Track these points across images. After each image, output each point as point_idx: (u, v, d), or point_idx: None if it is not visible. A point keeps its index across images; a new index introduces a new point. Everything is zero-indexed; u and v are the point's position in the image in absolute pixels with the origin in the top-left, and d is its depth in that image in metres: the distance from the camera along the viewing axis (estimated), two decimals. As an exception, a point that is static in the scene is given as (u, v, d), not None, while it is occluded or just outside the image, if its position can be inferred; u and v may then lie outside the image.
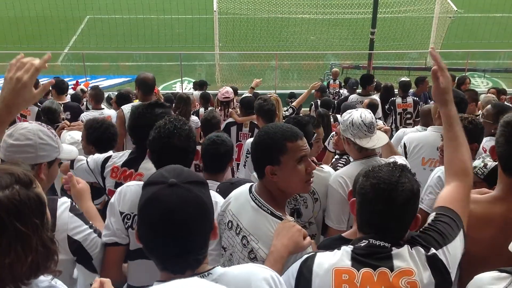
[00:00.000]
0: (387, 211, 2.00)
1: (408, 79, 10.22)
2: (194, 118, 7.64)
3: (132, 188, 2.80)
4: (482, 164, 3.15)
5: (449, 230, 2.07)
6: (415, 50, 19.19)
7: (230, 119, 7.08)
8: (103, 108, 7.49)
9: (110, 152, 3.76)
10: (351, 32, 20.35)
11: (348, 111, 3.70)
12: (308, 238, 2.34)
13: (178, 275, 1.73)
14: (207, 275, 1.78)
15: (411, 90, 10.09)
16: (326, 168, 3.67)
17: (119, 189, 2.86)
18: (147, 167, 3.32)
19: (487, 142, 4.25)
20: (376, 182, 2.02)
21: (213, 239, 1.83)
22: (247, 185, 2.57)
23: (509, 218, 2.38)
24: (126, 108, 5.45)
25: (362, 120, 3.51)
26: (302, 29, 20.95)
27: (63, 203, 2.41)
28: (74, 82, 13.97)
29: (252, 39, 19.77)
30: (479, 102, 6.90)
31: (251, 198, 2.46)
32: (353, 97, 9.55)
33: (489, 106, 4.99)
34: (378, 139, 3.56)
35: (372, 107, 8.09)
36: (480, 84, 16.95)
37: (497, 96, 7.84)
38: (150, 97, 5.58)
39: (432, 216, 2.14)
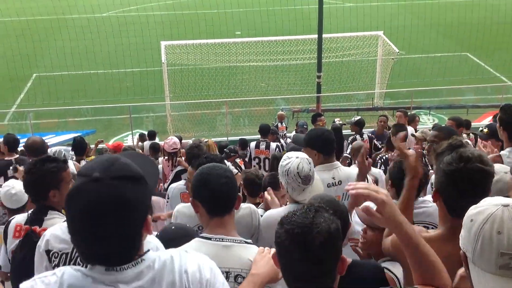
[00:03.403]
0: (306, 257, 1.89)
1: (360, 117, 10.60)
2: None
3: (61, 227, 2.83)
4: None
5: None
6: (362, 91, 19.69)
7: (179, 167, 7.13)
8: None
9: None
10: (299, 77, 20.77)
11: (289, 155, 3.66)
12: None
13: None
14: (140, 262, 1.77)
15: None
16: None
17: (46, 232, 2.89)
18: (52, 222, 3.35)
19: None
20: (290, 227, 1.91)
21: (146, 233, 1.78)
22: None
23: (454, 257, 2.40)
24: None
25: (297, 172, 3.48)
26: (251, 76, 21.25)
27: None
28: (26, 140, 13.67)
29: (202, 88, 19.88)
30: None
31: (215, 239, 2.54)
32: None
33: (432, 132, 5.10)
34: (311, 192, 3.52)
35: (335, 129, 8.43)
36: (427, 121, 17.44)
37: (456, 127, 7.78)
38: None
39: None
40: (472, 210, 1.95)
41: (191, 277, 1.83)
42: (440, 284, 2.18)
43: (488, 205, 1.90)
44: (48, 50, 22.57)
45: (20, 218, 3.65)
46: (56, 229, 2.86)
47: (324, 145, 4.45)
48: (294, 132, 11.54)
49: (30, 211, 3.62)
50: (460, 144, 2.49)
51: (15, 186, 4.54)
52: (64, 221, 2.97)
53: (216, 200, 2.63)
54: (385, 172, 5.79)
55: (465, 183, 2.38)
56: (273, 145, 9.92)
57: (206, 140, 6.59)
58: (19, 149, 7.82)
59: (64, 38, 23.06)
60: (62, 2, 24.02)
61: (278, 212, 3.49)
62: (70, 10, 25.59)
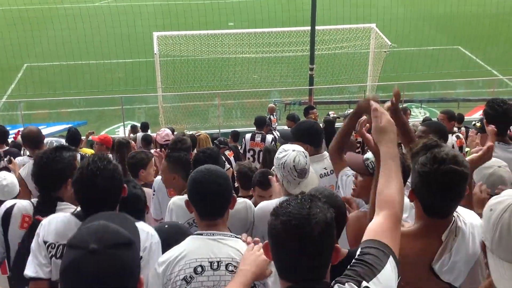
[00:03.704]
0: (304, 248, 1.87)
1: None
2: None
3: (58, 218, 2.82)
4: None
5: (376, 260, 1.94)
6: (354, 84, 19.71)
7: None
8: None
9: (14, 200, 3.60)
10: (291, 69, 20.75)
11: (286, 147, 3.66)
12: (270, 268, 2.36)
13: None
14: None
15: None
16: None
17: (44, 220, 2.86)
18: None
19: None
20: (286, 219, 1.88)
21: None
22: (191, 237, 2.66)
23: (425, 252, 2.46)
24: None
25: (294, 165, 3.49)
26: (243, 68, 21.21)
27: None
28: (15, 132, 13.60)
29: (194, 80, 19.82)
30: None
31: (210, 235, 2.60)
32: None
33: (420, 127, 5.11)
34: (306, 185, 3.53)
35: (328, 122, 8.49)
36: (418, 115, 17.51)
37: (448, 120, 7.78)
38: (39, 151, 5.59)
39: (358, 250, 2.03)
40: (492, 200, 2.00)
41: None
42: (390, 197, 2.18)
43: (508, 195, 1.94)
44: (39, 39, 22.39)
45: (25, 207, 3.43)
46: (55, 221, 2.84)
47: (313, 138, 4.52)
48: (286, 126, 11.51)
49: (34, 201, 3.48)
50: (435, 145, 2.46)
51: (7, 177, 4.52)
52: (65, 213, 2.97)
53: (206, 206, 2.68)
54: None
55: (439, 184, 2.37)
56: (268, 137, 9.94)
57: (198, 133, 6.51)
58: (9, 140, 7.75)
59: (56, 28, 22.90)
60: (54, -9, 23.84)
61: (272, 203, 3.50)
62: (61, -1, 25.41)
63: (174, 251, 2.59)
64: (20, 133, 13.42)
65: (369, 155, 3.30)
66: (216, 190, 2.64)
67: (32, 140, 5.66)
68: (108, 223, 1.79)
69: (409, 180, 2.62)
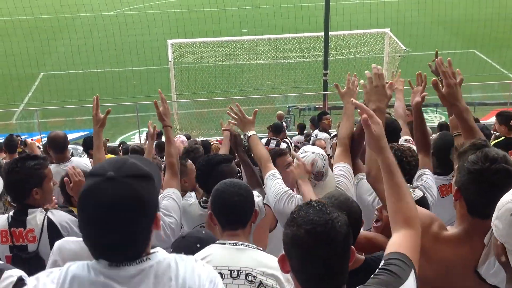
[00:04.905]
0: (333, 253, 1.88)
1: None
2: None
3: (72, 246, 2.79)
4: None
5: (401, 271, 1.97)
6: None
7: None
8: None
9: None
10: (305, 75, 20.74)
11: (306, 149, 3.68)
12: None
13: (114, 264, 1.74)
14: (145, 260, 1.78)
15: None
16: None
17: (57, 244, 2.85)
18: (35, 219, 3.39)
19: None
20: (311, 227, 1.87)
21: (155, 229, 1.82)
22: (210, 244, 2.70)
23: (470, 258, 2.43)
24: None
25: (311, 167, 3.51)
26: (257, 74, 21.25)
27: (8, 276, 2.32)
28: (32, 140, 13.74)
29: (209, 87, 19.90)
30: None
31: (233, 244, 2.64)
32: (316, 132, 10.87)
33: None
34: (323, 188, 3.54)
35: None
36: (434, 119, 17.40)
37: None
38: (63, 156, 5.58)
39: (382, 262, 2.04)
40: (511, 204, 1.98)
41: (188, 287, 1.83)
42: (406, 214, 2.20)
43: None
44: (55, 48, 22.67)
45: (1, 221, 3.49)
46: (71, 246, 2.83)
47: None
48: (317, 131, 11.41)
49: (10, 213, 3.54)
50: (485, 144, 2.50)
51: None
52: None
53: (228, 217, 2.76)
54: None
55: (490, 182, 2.38)
56: (283, 144, 9.93)
57: (212, 143, 6.50)
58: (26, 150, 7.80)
59: (72, 37, 23.16)
60: (70, 1, 24.06)
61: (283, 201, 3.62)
62: (77, 8, 25.65)
63: (195, 257, 2.59)
64: (36, 141, 13.67)
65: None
66: (238, 200, 2.73)
67: (58, 144, 5.64)
68: (129, 157, 1.83)
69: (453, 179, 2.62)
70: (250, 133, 4.27)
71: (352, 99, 3.47)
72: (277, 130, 10.36)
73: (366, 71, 3.16)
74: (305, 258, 1.90)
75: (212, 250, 2.64)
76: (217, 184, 2.85)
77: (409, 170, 3.70)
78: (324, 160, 3.59)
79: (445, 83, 2.96)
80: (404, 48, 18.27)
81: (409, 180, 3.69)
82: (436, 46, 23.62)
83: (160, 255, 1.82)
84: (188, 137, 10.10)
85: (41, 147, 8.07)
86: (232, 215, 2.74)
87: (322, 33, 16.28)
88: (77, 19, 25.67)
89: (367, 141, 2.35)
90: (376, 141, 2.28)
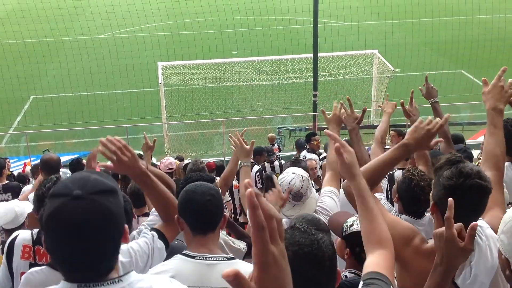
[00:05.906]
0: (321, 272, 1.90)
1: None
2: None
3: (37, 276, 2.75)
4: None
5: None
6: (358, 109, 19.71)
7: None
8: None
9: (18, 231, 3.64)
10: (295, 96, 20.84)
11: (288, 170, 3.70)
12: None
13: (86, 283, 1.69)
14: (117, 282, 1.73)
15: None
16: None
17: (23, 277, 2.81)
18: None
19: None
20: (297, 248, 1.89)
21: (124, 242, 1.80)
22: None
23: None
24: None
25: (288, 187, 3.52)
26: (247, 95, 21.33)
27: None
28: (22, 165, 13.78)
29: (199, 108, 19.94)
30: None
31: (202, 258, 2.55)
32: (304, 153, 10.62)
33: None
34: (301, 210, 3.54)
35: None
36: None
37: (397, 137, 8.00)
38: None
39: (360, 283, 2.05)
40: None
41: None
42: (380, 235, 2.25)
43: None
44: (45, 72, 22.65)
45: (25, 236, 3.49)
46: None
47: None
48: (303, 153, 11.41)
49: (35, 230, 3.53)
50: (459, 160, 2.55)
51: (20, 205, 4.51)
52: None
53: (199, 217, 2.62)
54: (389, 187, 5.86)
55: (464, 198, 2.42)
56: (255, 168, 9.71)
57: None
58: (15, 172, 7.79)
59: (61, 60, 23.17)
60: (59, 24, 24.15)
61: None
62: (67, 32, 25.72)
63: (163, 268, 2.54)
64: (26, 165, 13.64)
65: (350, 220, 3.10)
66: (208, 200, 2.61)
67: (52, 167, 5.67)
68: (90, 173, 1.80)
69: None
70: (243, 163, 4.31)
71: (325, 130, 3.56)
72: (256, 153, 9.96)
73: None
74: (294, 279, 1.89)
75: (180, 266, 2.53)
76: (185, 187, 2.73)
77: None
78: (303, 181, 3.59)
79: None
80: (392, 69, 18.44)
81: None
82: (424, 66, 23.97)
83: (132, 276, 1.79)
84: (181, 159, 10.06)
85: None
86: (203, 216, 2.60)
87: (311, 55, 16.43)
88: (67, 43, 25.71)
89: (339, 169, 2.42)
90: (348, 168, 2.35)
